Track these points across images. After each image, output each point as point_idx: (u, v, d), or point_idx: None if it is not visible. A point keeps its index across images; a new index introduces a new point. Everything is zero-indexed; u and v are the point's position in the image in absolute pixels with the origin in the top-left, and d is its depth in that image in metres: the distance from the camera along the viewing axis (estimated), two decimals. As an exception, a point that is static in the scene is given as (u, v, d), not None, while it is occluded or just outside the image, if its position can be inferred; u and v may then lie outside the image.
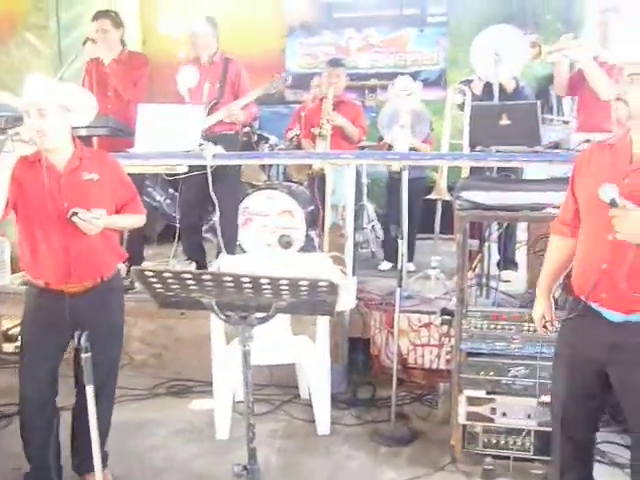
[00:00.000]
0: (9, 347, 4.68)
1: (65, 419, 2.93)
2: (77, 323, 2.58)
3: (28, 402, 2.75)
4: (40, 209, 2.62)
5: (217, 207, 4.25)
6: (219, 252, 4.57)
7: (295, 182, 5.55)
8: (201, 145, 4.07)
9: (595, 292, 2.12)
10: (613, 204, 1.98)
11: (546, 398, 2.91)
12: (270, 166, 5.67)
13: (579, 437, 2.37)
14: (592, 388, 2.27)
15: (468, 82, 4.61)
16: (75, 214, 2.59)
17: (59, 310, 2.67)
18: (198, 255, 4.80)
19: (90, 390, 2.38)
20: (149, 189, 5.65)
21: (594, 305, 2.17)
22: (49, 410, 2.79)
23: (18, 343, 4.62)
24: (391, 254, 4.86)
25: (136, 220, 2.96)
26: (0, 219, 2.60)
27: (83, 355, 2.36)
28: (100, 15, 4.60)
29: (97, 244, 2.71)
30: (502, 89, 4.38)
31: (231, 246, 4.61)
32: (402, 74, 5.63)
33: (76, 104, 2.69)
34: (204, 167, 4.09)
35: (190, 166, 4.23)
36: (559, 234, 2.41)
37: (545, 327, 2.51)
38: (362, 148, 5.38)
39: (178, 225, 4.72)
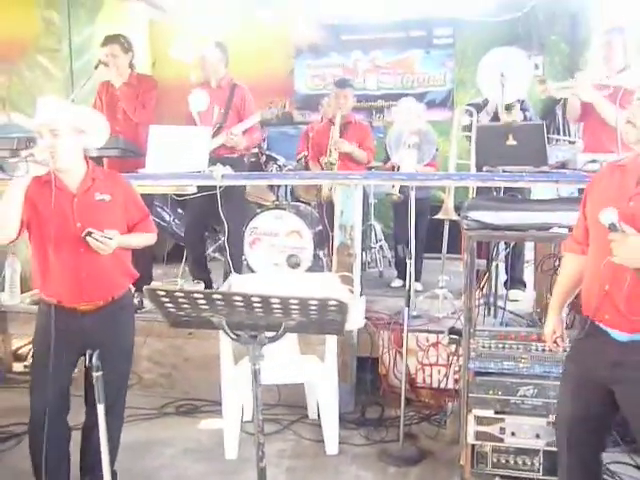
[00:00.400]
0: (19, 366, 4.71)
1: (74, 438, 2.94)
2: (88, 341, 2.61)
3: (39, 419, 2.74)
4: (53, 229, 2.65)
5: (225, 227, 4.30)
6: (225, 272, 4.62)
7: (303, 202, 5.59)
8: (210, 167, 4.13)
9: (599, 313, 2.15)
10: (612, 228, 2.01)
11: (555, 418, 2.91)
12: (278, 186, 5.72)
13: (586, 457, 2.36)
14: (598, 407, 2.27)
15: (475, 106, 4.64)
16: (89, 234, 2.62)
17: (70, 328, 2.69)
18: (202, 272, 4.85)
19: (101, 409, 2.40)
20: (158, 209, 5.70)
21: (600, 325, 2.18)
22: (60, 428, 2.79)
23: (27, 362, 4.67)
24: (402, 272, 4.88)
25: (148, 238, 2.99)
26: (15, 239, 2.66)
27: (94, 374, 2.38)
28: (109, 40, 4.68)
29: (109, 264, 2.74)
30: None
31: (237, 265, 4.65)
32: (409, 95, 5.72)
33: (88, 125, 2.74)
34: (210, 187, 4.14)
35: (198, 187, 4.28)
36: (571, 251, 2.43)
37: (556, 342, 2.52)
38: (370, 169, 5.43)
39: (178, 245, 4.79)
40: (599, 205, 2.15)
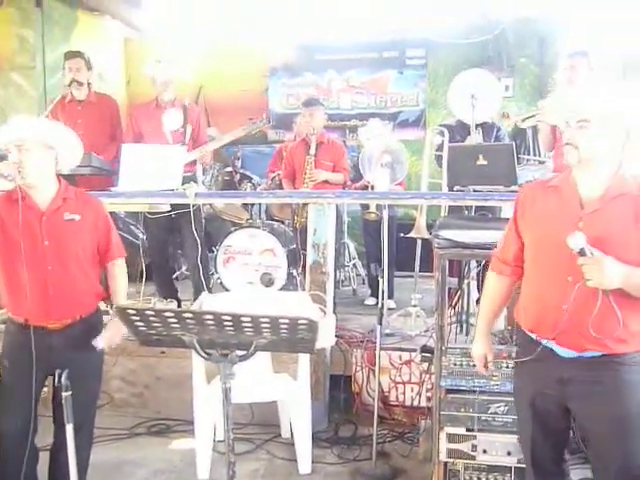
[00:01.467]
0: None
1: (42, 459, 2.88)
2: (56, 360, 2.59)
3: (6, 439, 2.71)
4: (20, 247, 2.62)
5: (198, 245, 4.32)
6: (196, 290, 4.65)
7: (277, 221, 5.60)
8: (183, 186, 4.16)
9: (552, 332, 2.15)
10: (582, 253, 2.02)
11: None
12: (252, 205, 5.72)
13: (551, 470, 2.40)
14: (555, 423, 2.30)
15: (446, 125, 4.72)
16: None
17: (38, 346, 2.65)
18: (170, 292, 4.85)
19: (70, 429, 2.37)
20: (131, 227, 5.67)
21: (546, 343, 2.19)
22: (27, 448, 2.70)
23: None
24: (375, 290, 4.91)
25: (124, 274, 2.97)
26: None
27: (64, 393, 2.36)
28: (76, 54, 4.70)
29: (77, 283, 2.73)
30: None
31: (205, 284, 4.67)
32: (382, 114, 5.80)
33: (58, 141, 2.72)
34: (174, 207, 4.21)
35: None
36: (499, 273, 2.43)
37: (486, 367, 2.55)
38: (344, 187, 5.46)
39: (146, 264, 4.78)
40: (543, 227, 2.18)
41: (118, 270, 2.93)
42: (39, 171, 2.66)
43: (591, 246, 2.02)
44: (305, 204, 4.76)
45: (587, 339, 2.09)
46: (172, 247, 5.27)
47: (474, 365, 3.04)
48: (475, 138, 4.48)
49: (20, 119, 2.74)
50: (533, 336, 2.25)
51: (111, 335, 2.80)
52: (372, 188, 4.66)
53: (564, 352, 2.17)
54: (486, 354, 2.52)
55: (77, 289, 2.74)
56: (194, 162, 4.69)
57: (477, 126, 4.53)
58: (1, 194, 2.71)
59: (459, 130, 4.66)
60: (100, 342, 2.77)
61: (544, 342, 2.19)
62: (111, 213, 3.03)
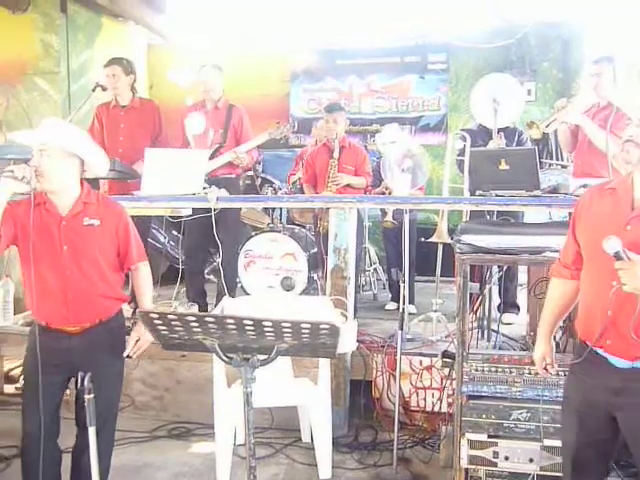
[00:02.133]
0: (10, 388, 4.68)
1: (64, 461, 2.91)
2: (77, 363, 2.63)
3: (30, 440, 2.72)
4: (40, 251, 2.65)
5: (220, 250, 4.32)
6: (219, 293, 4.64)
7: (298, 225, 5.61)
8: (205, 189, 4.15)
9: (600, 338, 2.13)
10: (618, 257, 1.98)
11: (548, 442, 2.90)
12: (273, 209, 5.74)
13: None
14: (602, 433, 2.25)
15: (469, 131, 4.69)
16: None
17: (60, 349, 2.70)
18: (200, 298, 4.85)
19: (92, 431, 2.39)
20: (153, 231, 5.72)
21: (600, 351, 2.17)
22: (51, 449, 2.75)
23: (19, 384, 4.64)
24: (396, 295, 4.90)
25: (146, 278, 2.97)
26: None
27: (86, 396, 2.37)
28: (112, 62, 4.75)
29: (96, 287, 2.74)
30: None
31: (232, 288, 4.66)
32: (403, 119, 5.79)
33: (80, 149, 2.71)
34: (207, 210, 4.17)
35: (194, 209, 4.31)
36: (559, 277, 2.42)
37: (546, 369, 2.51)
38: (365, 192, 5.46)
39: (182, 268, 4.77)
40: (594, 230, 2.15)
41: (140, 274, 2.94)
42: (59, 177, 2.65)
43: (636, 249, 1.99)
44: (328, 209, 4.76)
45: (633, 346, 2.06)
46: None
47: (496, 371, 3.05)
48: (497, 142, 4.46)
49: (47, 123, 2.75)
50: (587, 343, 2.22)
51: (136, 341, 2.82)
52: (389, 193, 4.67)
53: (617, 361, 2.15)
54: (545, 357, 2.48)
55: (96, 293, 2.74)
56: (231, 165, 4.69)
57: (499, 131, 4.50)
58: (23, 198, 2.71)
59: (481, 135, 4.64)
60: (127, 350, 2.81)
61: (596, 350, 2.17)
62: (135, 217, 3.05)
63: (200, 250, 4.87)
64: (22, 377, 2.89)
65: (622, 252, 1.98)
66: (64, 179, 2.68)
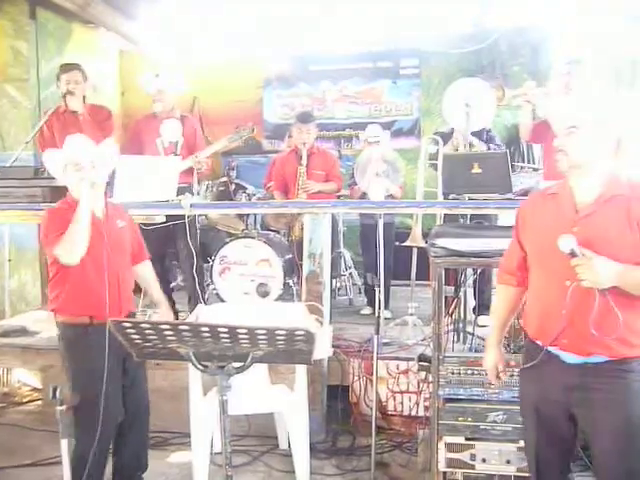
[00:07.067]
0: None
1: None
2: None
3: (111, 425, 2.98)
4: (91, 253, 2.90)
5: (194, 256, 4.33)
6: (189, 300, 4.67)
7: (273, 231, 5.60)
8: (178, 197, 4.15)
9: (557, 338, 2.16)
10: (573, 254, 2.05)
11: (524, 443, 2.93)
12: (248, 215, 5.72)
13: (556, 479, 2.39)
14: (561, 430, 2.29)
15: (442, 135, 4.73)
16: None
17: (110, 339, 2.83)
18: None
19: (64, 444, 2.36)
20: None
21: (552, 349, 2.20)
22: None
23: None
24: (372, 299, 4.90)
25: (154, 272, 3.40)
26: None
27: (58, 408, 2.36)
28: (72, 67, 4.69)
29: (129, 282, 3.14)
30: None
31: (195, 297, 4.70)
32: (377, 124, 5.82)
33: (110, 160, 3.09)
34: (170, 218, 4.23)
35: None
36: (505, 283, 2.47)
37: (498, 377, 2.55)
38: (339, 197, 5.46)
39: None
40: (542, 234, 2.21)
41: (149, 268, 3.36)
42: (102, 186, 3.03)
43: (586, 248, 2.05)
44: (300, 217, 4.76)
45: (589, 342, 2.10)
46: (168, 258, 5.24)
47: (472, 373, 3.06)
48: (479, 146, 4.50)
49: (78, 139, 3.05)
50: (538, 343, 2.26)
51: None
52: (363, 196, 4.69)
53: (569, 358, 2.18)
54: (497, 364, 2.53)
55: (129, 287, 3.13)
56: (190, 172, 4.67)
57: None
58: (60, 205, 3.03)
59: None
60: None
61: (549, 348, 2.20)
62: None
63: (160, 258, 4.82)
64: (83, 377, 2.99)
65: (577, 250, 2.05)
66: (103, 188, 3.06)
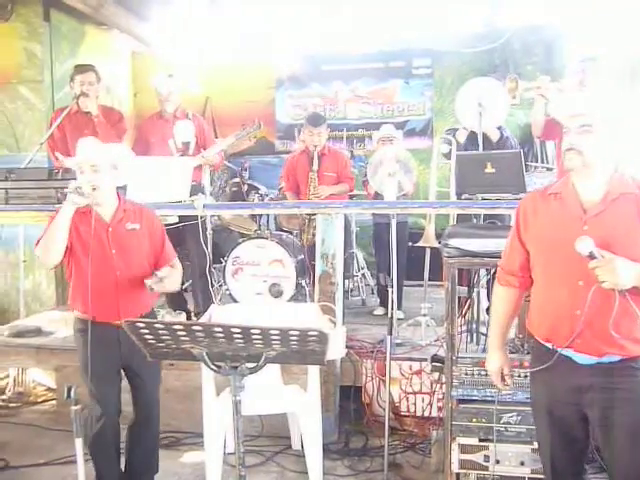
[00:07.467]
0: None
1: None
2: (125, 353, 2.99)
3: (109, 420, 3.04)
4: (92, 255, 2.93)
5: (209, 258, 4.35)
6: (203, 301, 4.67)
7: (285, 231, 5.60)
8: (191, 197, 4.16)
9: (569, 338, 2.14)
10: (592, 256, 2.02)
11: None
12: (260, 215, 5.73)
13: None
14: (574, 431, 2.28)
15: (454, 131, 4.72)
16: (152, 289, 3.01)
17: (110, 339, 2.98)
18: (180, 304, 4.86)
19: (79, 442, 2.37)
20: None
21: (561, 350, 2.18)
22: (117, 426, 3.14)
23: (6, 396, 4.62)
24: (384, 300, 4.89)
25: (180, 270, 3.31)
26: (58, 263, 2.98)
27: (73, 407, 2.37)
28: (84, 69, 4.70)
29: (141, 285, 3.01)
30: (486, 138, 4.49)
31: (206, 299, 4.70)
32: (389, 124, 5.81)
33: (123, 162, 3.06)
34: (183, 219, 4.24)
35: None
36: (506, 285, 2.43)
37: (504, 380, 2.52)
38: (351, 197, 5.46)
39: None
40: (549, 235, 2.18)
41: (175, 267, 3.28)
42: (107, 189, 3.00)
43: (598, 247, 2.03)
44: (312, 219, 4.76)
45: (606, 342, 2.08)
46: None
47: (486, 374, 3.02)
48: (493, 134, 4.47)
49: (90, 140, 3.09)
50: (549, 345, 2.23)
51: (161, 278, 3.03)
52: (377, 196, 4.67)
53: (582, 359, 2.16)
54: (502, 368, 2.49)
55: (141, 290, 3.03)
56: (198, 170, 4.68)
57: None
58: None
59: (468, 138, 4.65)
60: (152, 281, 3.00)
61: (560, 350, 2.18)
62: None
63: None
64: (82, 372, 3.06)
65: (595, 251, 2.02)
66: (110, 191, 3.03)
